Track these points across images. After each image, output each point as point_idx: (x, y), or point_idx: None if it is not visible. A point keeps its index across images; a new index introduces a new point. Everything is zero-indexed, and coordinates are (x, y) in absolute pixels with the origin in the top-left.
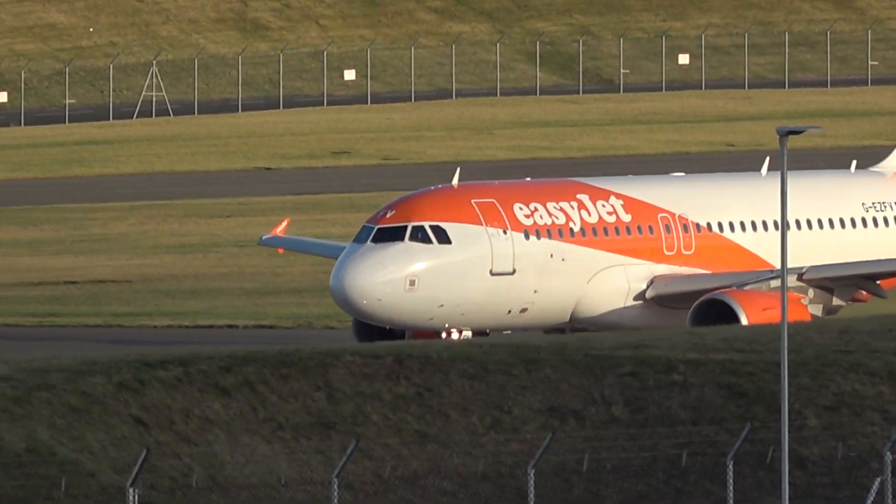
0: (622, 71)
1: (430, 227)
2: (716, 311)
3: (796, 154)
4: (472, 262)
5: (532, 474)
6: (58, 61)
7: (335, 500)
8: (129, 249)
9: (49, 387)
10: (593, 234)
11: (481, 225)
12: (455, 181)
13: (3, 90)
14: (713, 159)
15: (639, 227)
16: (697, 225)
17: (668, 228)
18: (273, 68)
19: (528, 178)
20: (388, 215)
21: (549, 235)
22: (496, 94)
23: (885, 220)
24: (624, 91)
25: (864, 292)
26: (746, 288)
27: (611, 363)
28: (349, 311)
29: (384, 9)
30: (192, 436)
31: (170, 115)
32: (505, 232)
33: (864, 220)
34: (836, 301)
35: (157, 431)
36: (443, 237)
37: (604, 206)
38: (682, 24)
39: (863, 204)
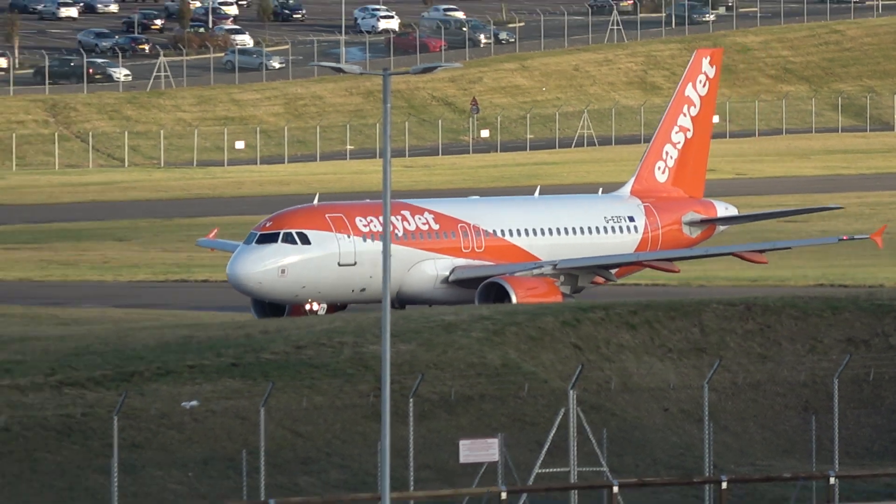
0: None
1: (296, 233)
2: (495, 290)
3: None
4: (325, 257)
5: (836, 382)
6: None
7: (706, 399)
8: None
9: (517, 323)
10: (412, 238)
11: (332, 231)
12: (315, 202)
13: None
14: None
15: (444, 233)
16: (486, 231)
17: (465, 234)
18: None
19: (367, 200)
20: (267, 225)
21: (381, 238)
22: None
23: (620, 229)
24: None
25: (600, 277)
26: (517, 274)
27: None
28: (239, 291)
29: None
30: (611, 356)
31: None
32: (349, 236)
33: (605, 228)
34: (580, 283)
35: (588, 353)
36: (305, 240)
37: (420, 218)
38: None
39: (604, 217)
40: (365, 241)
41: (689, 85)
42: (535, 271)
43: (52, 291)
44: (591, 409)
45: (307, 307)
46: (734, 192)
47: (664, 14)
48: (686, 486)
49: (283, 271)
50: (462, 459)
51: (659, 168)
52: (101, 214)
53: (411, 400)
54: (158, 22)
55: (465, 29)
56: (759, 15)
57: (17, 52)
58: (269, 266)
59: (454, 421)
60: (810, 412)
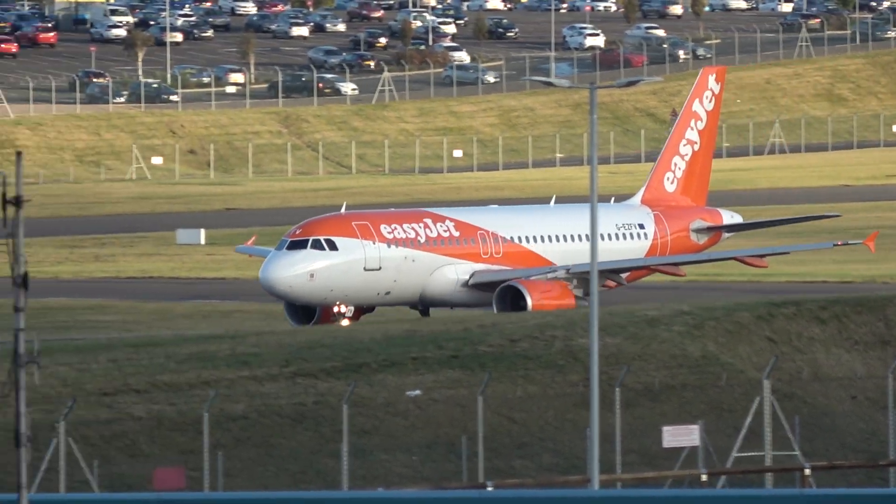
0: None
1: (324, 239)
2: (511, 293)
3: None
4: (352, 263)
5: None
6: None
7: (890, 388)
8: None
9: (715, 318)
10: (434, 244)
11: (358, 238)
12: (343, 210)
13: None
14: None
15: (464, 240)
16: (504, 238)
17: (484, 240)
18: None
19: (392, 209)
20: (297, 232)
21: (405, 245)
22: None
23: (631, 235)
24: None
25: (611, 281)
26: (532, 278)
27: None
28: (271, 294)
29: None
30: (802, 348)
31: None
32: (374, 243)
33: (616, 235)
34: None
35: (781, 345)
36: (332, 246)
37: (441, 226)
38: None
39: (616, 224)
40: (389, 247)
41: (697, 101)
42: (550, 275)
43: None
44: (784, 398)
45: (335, 309)
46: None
47: (849, 31)
48: (872, 468)
49: (311, 276)
50: (665, 444)
51: (668, 178)
52: None
53: (618, 389)
54: (383, 40)
55: (665, 45)
56: None
57: (252, 68)
58: (298, 271)
59: (657, 409)
60: None
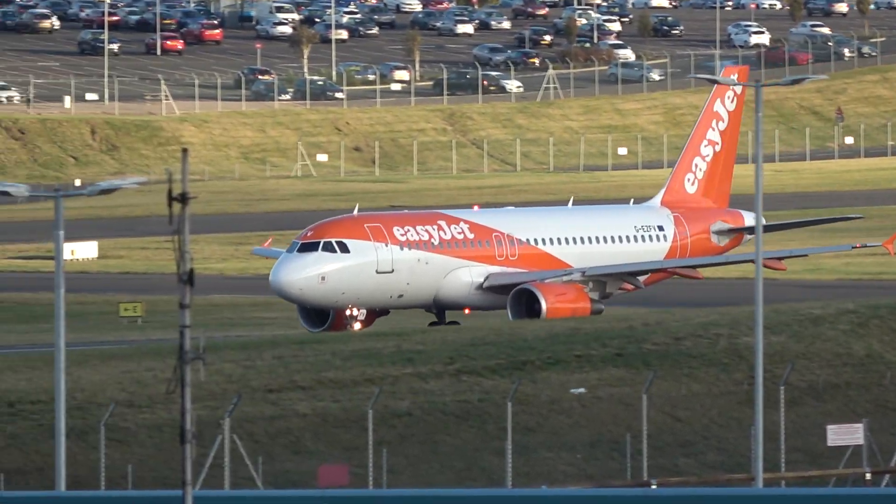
0: None
1: (336, 242)
2: (526, 296)
3: None
4: (364, 265)
5: None
6: None
7: None
8: None
9: (879, 316)
10: (448, 247)
11: (370, 240)
12: (355, 212)
13: None
14: None
15: (479, 242)
16: (520, 240)
17: (499, 242)
18: None
19: (405, 210)
20: (308, 234)
21: (418, 247)
22: None
23: (650, 237)
24: None
25: (628, 284)
26: (547, 281)
27: None
28: (282, 297)
29: None
30: None
31: None
32: (386, 245)
33: (634, 237)
34: (608, 289)
35: None
36: (344, 248)
37: (455, 228)
38: None
39: (634, 226)
40: (402, 249)
41: (718, 101)
42: (565, 278)
43: None
44: None
45: (347, 312)
46: None
47: None
48: None
49: (322, 278)
50: (829, 443)
51: (689, 180)
52: None
53: (782, 388)
54: (547, 38)
55: (830, 43)
56: None
57: (418, 65)
58: (309, 273)
59: (822, 407)
60: None
